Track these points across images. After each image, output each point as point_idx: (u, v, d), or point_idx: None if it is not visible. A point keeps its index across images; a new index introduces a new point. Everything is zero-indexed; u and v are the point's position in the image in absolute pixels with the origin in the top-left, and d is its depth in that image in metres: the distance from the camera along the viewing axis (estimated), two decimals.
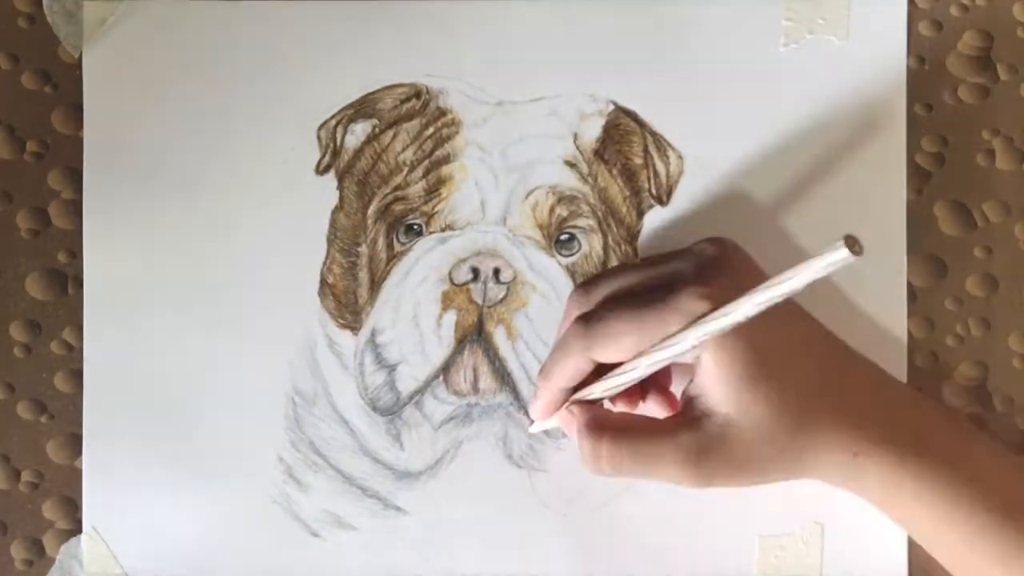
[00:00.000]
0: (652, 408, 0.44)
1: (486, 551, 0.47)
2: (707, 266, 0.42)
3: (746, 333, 0.39)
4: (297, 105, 0.48)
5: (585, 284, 0.44)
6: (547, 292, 0.47)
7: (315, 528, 0.47)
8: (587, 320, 0.42)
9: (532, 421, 0.45)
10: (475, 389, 0.47)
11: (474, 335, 0.47)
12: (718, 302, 0.39)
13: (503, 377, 0.47)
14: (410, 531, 0.47)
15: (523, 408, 0.47)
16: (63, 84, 0.48)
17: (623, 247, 0.47)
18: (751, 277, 0.40)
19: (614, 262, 0.47)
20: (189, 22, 0.48)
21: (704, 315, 0.39)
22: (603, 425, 0.41)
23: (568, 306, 0.44)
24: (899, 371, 0.47)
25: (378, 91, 0.48)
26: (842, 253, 0.33)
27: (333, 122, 0.48)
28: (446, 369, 0.47)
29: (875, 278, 0.47)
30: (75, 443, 0.48)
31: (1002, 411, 0.47)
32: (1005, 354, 0.47)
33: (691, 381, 0.41)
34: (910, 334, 0.47)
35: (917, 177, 0.48)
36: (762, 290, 0.36)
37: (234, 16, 0.48)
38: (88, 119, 0.48)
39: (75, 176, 0.48)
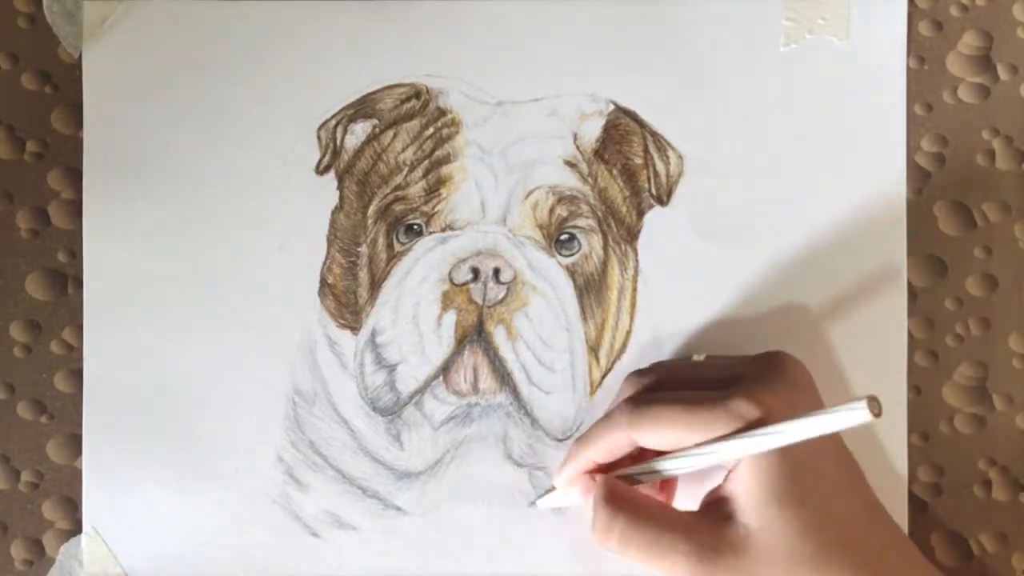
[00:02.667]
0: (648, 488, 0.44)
1: (486, 551, 0.47)
2: (764, 375, 0.42)
3: (788, 451, 0.39)
4: (297, 105, 0.48)
5: (641, 369, 0.45)
6: (547, 292, 0.47)
7: (315, 528, 0.47)
8: (637, 403, 0.42)
9: (539, 490, 0.46)
10: (475, 389, 0.47)
11: (474, 335, 0.47)
12: (770, 412, 0.39)
13: (503, 377, 0.47)
14: (410, 531, 0.47)
15: (523, 408, 0.47)
16: (63, 84, 0.48)
17: (623, 247, 0.47)
18: (807, 396, 0.41)
19: (614, 262, 0.47)
20: (189, 22, 0.48)
21: (753, 426, 0.39)
22: (622, 501, 0.41)
23: (622, 386, 0.45)
24: (899, 371, 0.47)
25: (378, 91, 0.48)
26: (862, 416, 0.35)
27: (333, 122, 0.48)
28: (446, 369, 0.47)
29: (875, 278, 0.47)
30: (75, 443, 0.48)
31: (1002, 411, 0.47)
32: (1005, 354, 0.47)
33: (722, 482, 0.41)
34: (910, 334, 0.47)
35: (917, 177, 0.48)
36: (817, 419, 0.37)
37: (234, 16, 0.48)
38: (88, 119, 0.48)
39: (75, 176, 0.48)
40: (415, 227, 0.47)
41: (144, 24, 0.48)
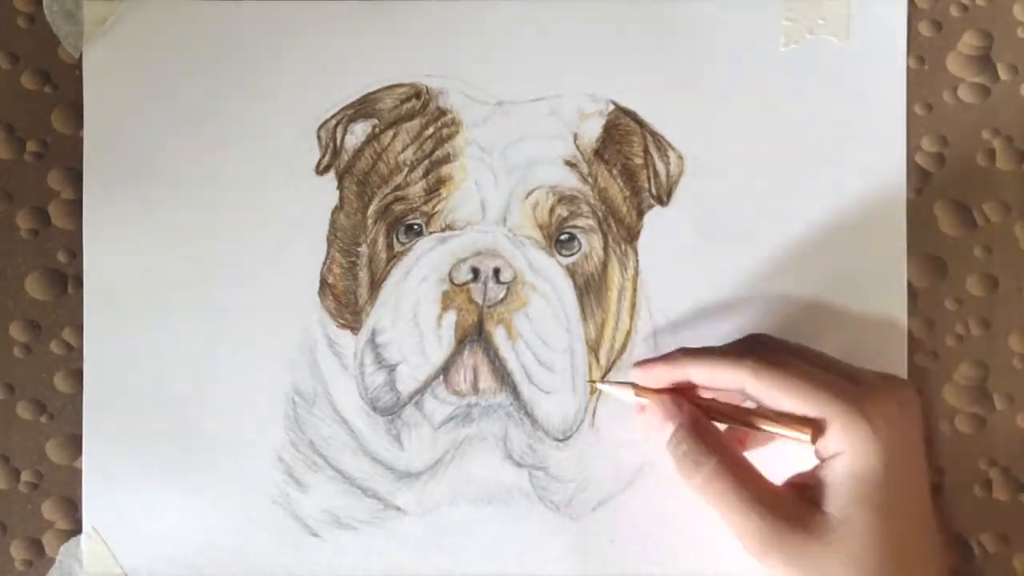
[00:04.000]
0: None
1: (486, 551, 0.47)
2: (885, 390, 0.42)
3: (888, 462, 0.40)
4: (297, 105, 0.48)
5: (765, 336, 0.45)
6: (547, 292, 0.47)
7: (315, 528, 0.47)
8: (766, 358, 0.42)
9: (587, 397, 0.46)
10: (475, 389, 0.47)
11: (474, 335, 0.47)
12: (885, 425, 0.40)
13: (503, 377, 0.47)
14: (410, 531, 0.47)
15: (523, 408, 0.47)
16: (63, 84, 0.48)
17: (623, 247, 0.47)
18: (911, 432, 0.42)
19: (614, 262, 0.47)
20: (189, 22, 0.48)
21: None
22: (717, 444, 0.42)
23: (745, 338, 0.45)
24: (899, 371, 0.47)
25: (378, 91, 0.48)
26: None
27: (333, 122, 0.48)
28: (446, 369, 0.47)
29: (875, 278, 0.47)
30: (75, 443, 0.48)
31: (1002, 411, 0.47)
32: (1005, 354, 0.47)
33: (815, 469, 0.42)
34: (910, 334, 0.47)
35: (917, 177, 0.48)
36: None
37: (234, 16, 0.48)
38: (88, 119, 0.48)
39: (75, 176, 0.48)
40: (415, 227, 0.47)
41: (144, 24, 0.48)
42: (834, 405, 0.40)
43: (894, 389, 0.43)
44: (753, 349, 0.42)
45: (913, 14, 0.48)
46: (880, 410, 0.40)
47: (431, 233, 0.47)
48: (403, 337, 0.47)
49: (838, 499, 0.40)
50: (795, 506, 0.41)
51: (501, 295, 0.47)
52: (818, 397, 0.41)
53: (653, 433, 0.43)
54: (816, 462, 0.42)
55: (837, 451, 0.40)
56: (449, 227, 0.47)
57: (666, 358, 0.44)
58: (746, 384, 0.42)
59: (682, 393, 0.43)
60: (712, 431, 0.42)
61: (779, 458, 0.43)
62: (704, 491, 0.41)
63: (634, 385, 0.44)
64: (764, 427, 0.42)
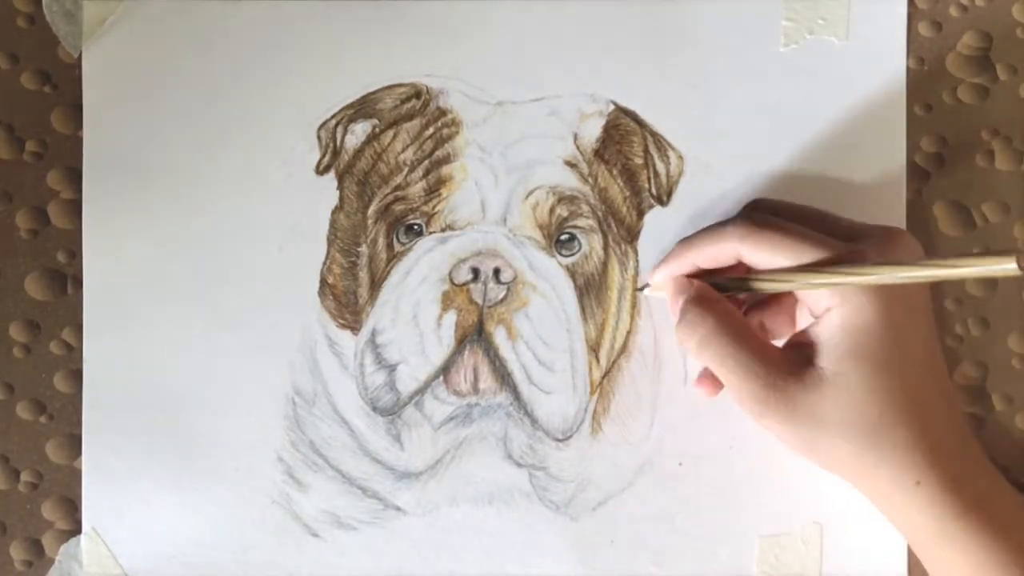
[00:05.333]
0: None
1: (486, 551, 0.47)
2: (883, 245, 0.41)
3: (883, 315, 0.39)
4: (297, 105, 0.48)
5: (764, 199, 0.45)
6: (547, 292, 0.47)
7: (315, 528, 0.47)
8: (755, 220, 0.42)
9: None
10: (475, 389, 0.47)
11: (474, 335, 0.47)
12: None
13: (503, 377, 0.47)
14: (410, 531, 0.47)
15: (523, 408, 0.47)
16: (63, 84, 0.48)
17: (623, 247, 0.47)
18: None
19: (614, 262, 0.47)
20: (189, 22, 0.48)
21: (864, 266, 0.39)
22: (713, 307, 0.42)
23: (742, 208, 0.44)
24: None
25: (378, 91, 0.48)
26: (1010, 266, 0.34)
27: (333, 122, 0.48)
28: (446, 369, 0.47)
29: None
30: (75, 443, 0.48)
31: (1002, 411, 0.47)
32: (1005, 354, 0.48)
33: (809, 326, 0.41)
34: None
35: (917, 177, 0.48)
36: (926, 266, 0.37)
37: (234, 16, 0.48)
38: (88, 119, 0.48)
39: (74, 176, 0.48)
40: (415, 227, 0.47)
41: (144, 24, 0.48)
42: (835, 252, 0.40)
43: (890, 239, 0.42)
44: (744, 215, 0.43)
45: (913, 14, 0.48)
46: (874, 261, 0.40)
47: (431, 233, 0.47)
48: (403, 337, 0.47)
49: (831, 353, 0.40)
50: (790, 363, 0.41)
51: (501, 295, 0.47)
52: (806, 252, 0.40)
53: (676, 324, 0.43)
54: (812, 320, 0.42)
55: (829, 305, 0.40)
56: (449, 227, 0.47)
57: (668, 256, 0.45)
58: (740, 252, 0.42)
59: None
60: (712, 298, 0.42)
61: (781, 324, 0.44)
62: (700, 353, 0.42)
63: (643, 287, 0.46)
64: (759, 286, 0.42)
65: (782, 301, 0.45)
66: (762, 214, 0.44)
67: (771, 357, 0.41)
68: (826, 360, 0.40)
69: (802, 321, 0.44)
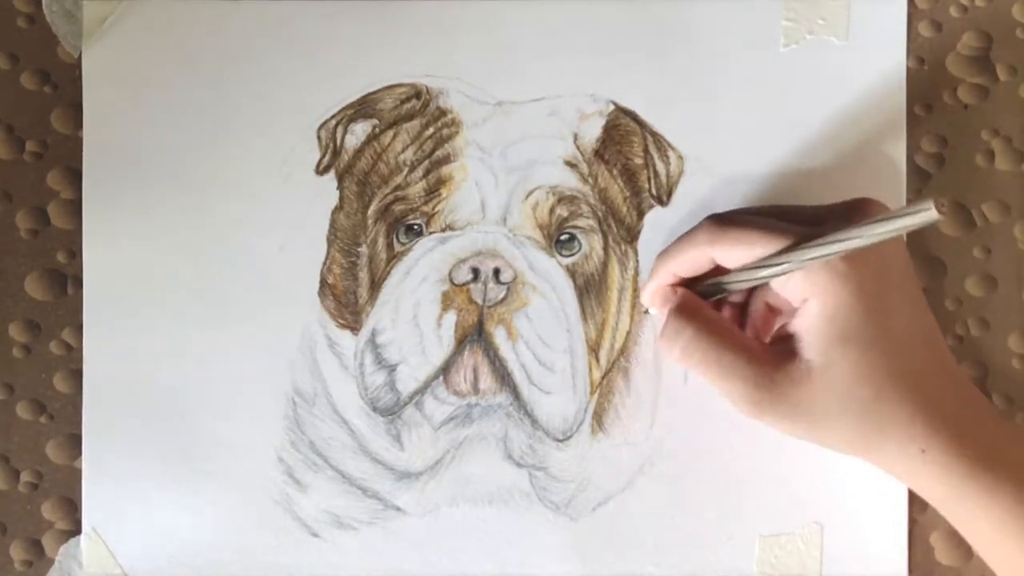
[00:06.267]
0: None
1: (486, 551, 0.47)
2: (850, 219, 0.41)
3: (859, 294, 0.39)
4: (297, 105, 0.48)
5: (723, 212, 0.45)
6: (547, 292, 0.47)
7: (315, 528, 0.47)
8: (721, 221, 0.42)
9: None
10: (475, 389, 0.47)
11: (474, 335, 0.47)
12: (848, 255, 0.39)
13: (503, 377, 0.47)
14: (410, 531, 0.47)
15: (523, 408, 0.47)
16: (62, 84, 0.48)
17: (623, 247, 0.47)
18: (893, 241, 0.40)
19: (614, 262, 0.47)
20: (189, 22, 0.48)
21: (824, 237, 0.39)
22: (693, 313, 0.42)
23: (701, 222, 0.44)
24: None
25: (378, 91, 0.48)
26: (930, 212, 0.35)
27: (333, 122, 0.48)
28: (446, 369, 0.47)
29: None
30: (75, 443, 0.48)
31: (1002, 411, 0.47)
32: (1004, 354, 0.48)
33: (791, 320, 0.41)
34: None
35: (917, 177, 0.48)
36: (885, 223, 0.37)
37: (234, 16, 0.48)
38: (87, 119, 0.48)
39: (74, 176, 0.48)
40: (415, 227, 0.47)
41: (144, 24, 0.48)
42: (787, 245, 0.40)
43: (855, 210, 0.42)
44: (708, 220, 0.43)
45: (913, 14, 0.48)
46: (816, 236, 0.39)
47: (431, 233, 0.47)
48: (403, 337, 0.47)
49: (816, 343, 0.40)
50: (776, 359, 0.41)
51: (501, 295, 0.47)
52: (772, 241, 0.40)
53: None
54: (791, 313, 0.42)
55: (804, 296, 0.40)
56: (449, 227, 0.47)
57: (651, 273, 0.45)
58: (712, 254, 0.42)
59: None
60: (693, 305, 0.43)
61: (764, 321, 0.44)
62: (685, 360, 0.42)
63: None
64: (729, 285, 0.42)
65: (765, 301, 0.44)
66: (727, 213, 0.44)
67: (757, 356, 0.41)
68: (811, 351, 0.40)
69: (783, 316, 0.44)
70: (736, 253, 0.41)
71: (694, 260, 0.43)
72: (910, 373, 0.40)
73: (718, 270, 0.43)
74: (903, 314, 0.41)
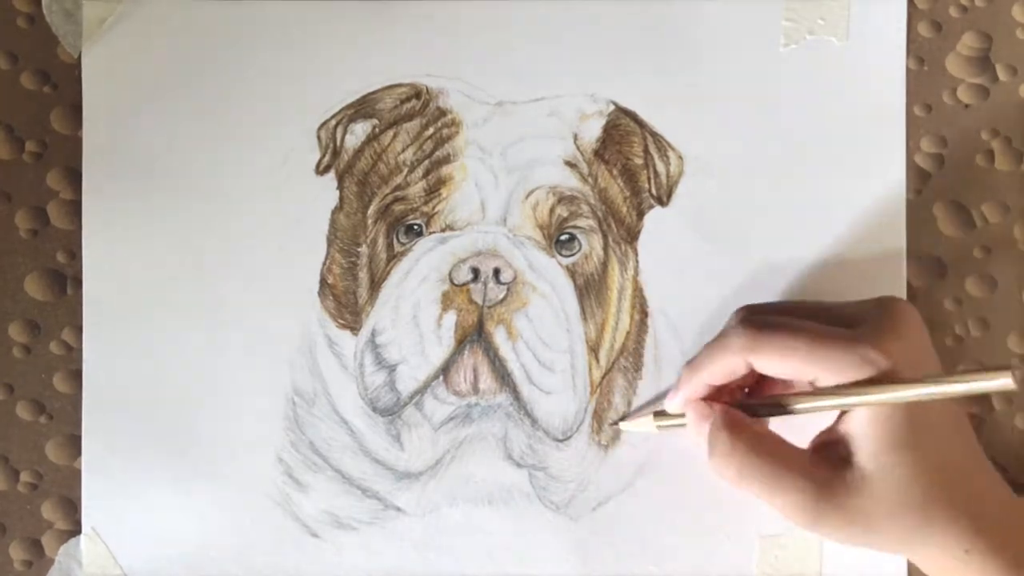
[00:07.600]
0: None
1: (486, 551, 0.47)
2: (886, 323, 0.41)
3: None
4: (297, 105, 0.48)
5: (754, 305, 0.44)
6: (547, 292, 0.47)
7: (315, 528, 0.47)
8: (756, 326, 0.41)
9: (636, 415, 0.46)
10: (475, 389, 0.47)
11: (474, 335, 0.47)
12: (896, 363, 0.39)
13: (503, 377, 0.47)
14: (410, 531, 0.47)
15: (523, 408, 0.47)
16: (62, 84, 0.48)
17: (623, 247, 0.47)
18: (924, 346, 0.42)
19: (614, 262, 0.47)
20: (189, 22, 0.48)
21: (885, 377, 0.39)
22: (742, 431, 0.41)
23: (732, 316, 0.44)
24: None
25: (378, 91, 0.48)
26: (1007, 382, 0.37)
27: (333, 122, 0.48)
28: (446, 369, 0.47)
29: (875, 278, 0.47)
30: (74, 444, 0.47)
31: (1002, 411, 0.48)
32: (1005, 354, 0.48)
33: (836, 424, 0.41)
34: None
35: (917, 177, 0.48)
36: (936, 385, 0.38)
37: (234, 16, 0.48)
38: (87, 119, 0.48)
39: (74, 176, 0.48)
40: (415, 227, 0.47)
41: (144, 24, 0.48)
42: (843, 360, 0.40)
43: (890, 315, 0.42)
44: (742, 325, 0.42)
45: (913, 15, 0.48)
46: (887, 348, 0.40)
47: (431, 233, 0.47)
48: (403, 337, 0.47)
49: (866, 448, 0.40)
50: (828, 468, 0.41)
51: (501, 295, 0.47)
52: (817, 353, 0.40)
53: (705, 448, 0.42)
54: (835, 416, 0.41)
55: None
56: (449, 227, 0.47)
57: (679, 382, 0.44)
58: (748, 361, 0.41)
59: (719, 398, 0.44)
60: (738, 421, 0.42)
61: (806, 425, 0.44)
62: (741, 483, 0.41)
63: (656, 414, 0.45)
64: (800, 405, 0.42)
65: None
66: (760, 316, 0.43)
67: (813, 468, 0.41)
68: (864, 457, 0.40)
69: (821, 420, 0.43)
70: (777, 360, 0.41)
71: (728, 367, 0.42)
72: (956, 474, 0.41)
73: (750, 375, 0.42)
74: (946, 414, 0.41)
